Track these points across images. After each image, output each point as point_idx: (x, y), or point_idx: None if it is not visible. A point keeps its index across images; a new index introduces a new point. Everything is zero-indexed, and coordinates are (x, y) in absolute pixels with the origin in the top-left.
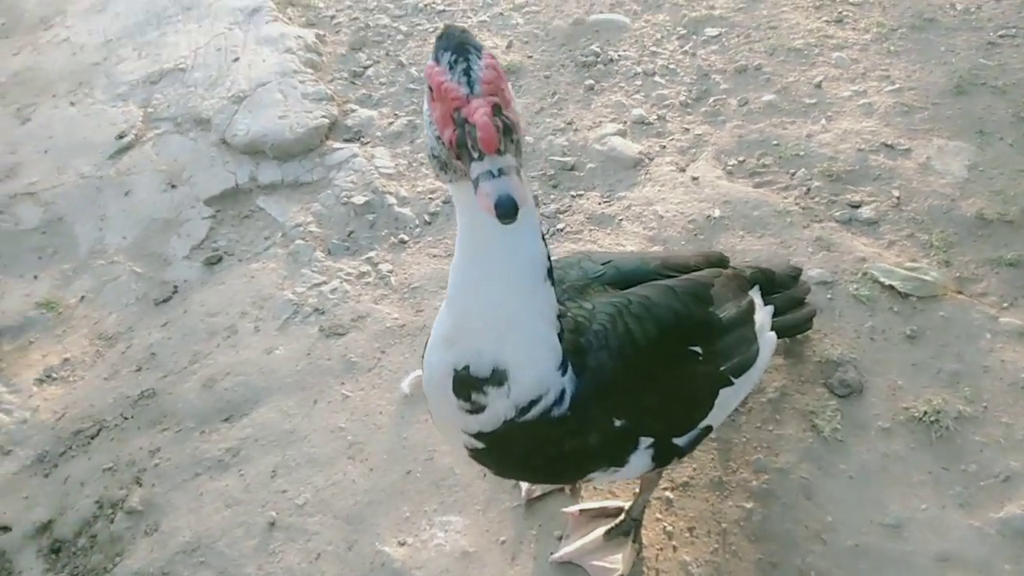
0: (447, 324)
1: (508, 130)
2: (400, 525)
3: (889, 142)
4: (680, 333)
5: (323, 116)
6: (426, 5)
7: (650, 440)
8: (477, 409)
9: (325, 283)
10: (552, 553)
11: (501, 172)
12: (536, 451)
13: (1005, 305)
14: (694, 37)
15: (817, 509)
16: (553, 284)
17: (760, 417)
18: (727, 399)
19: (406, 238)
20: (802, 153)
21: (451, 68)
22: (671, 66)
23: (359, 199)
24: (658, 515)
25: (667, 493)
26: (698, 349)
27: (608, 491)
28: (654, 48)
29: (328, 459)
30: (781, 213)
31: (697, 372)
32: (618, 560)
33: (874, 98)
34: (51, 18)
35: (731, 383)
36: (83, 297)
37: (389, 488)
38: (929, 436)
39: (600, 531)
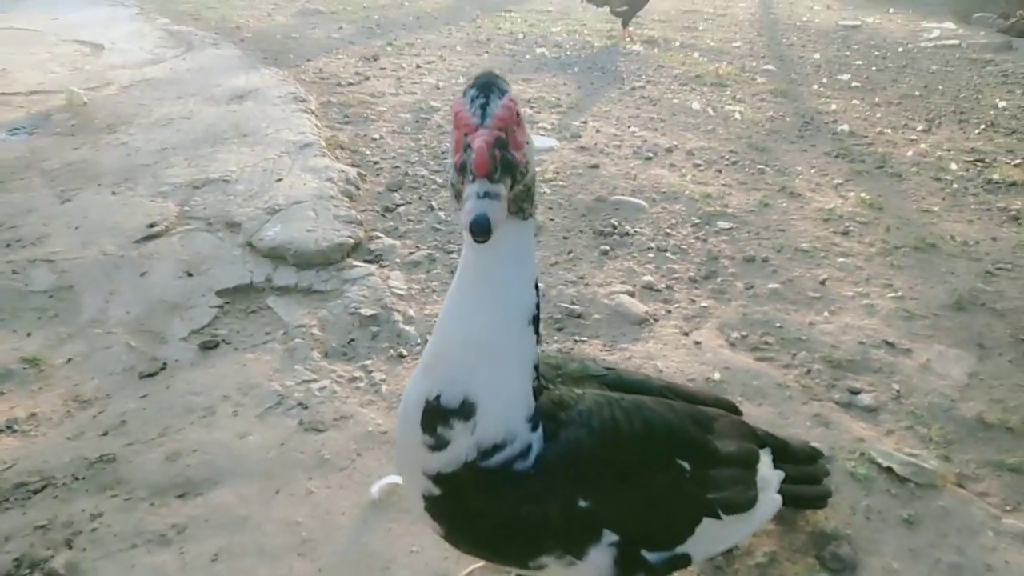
0: (428, 353)
1: (509, 166)
2: None
3: (890, 340)
4: (669, 442)
5: (349, 236)
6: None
7: (615, 538)
8: (440, 444)
9: (315, 381)
10: None
11: (487, 195)
12: (491, 509)
13: (1008, 508)
14: (707, 227)
15: None
16: (537, 336)
17: None
18: (711, 532)
19: (405, 353)
20: (804, 338)
21: (471, 102)
22: (683, 247)
23: (366, 311)
24: None
25: None
26: (686, 465)
27: None
28: (668, 230)
29: (277, 553)
30: (781, 386)
31: (680, 487)
32: None
33: (876, 301)
34: (117, 126)
35: (718, 516)
36: (70, 360)
37: None
38: None
39: None
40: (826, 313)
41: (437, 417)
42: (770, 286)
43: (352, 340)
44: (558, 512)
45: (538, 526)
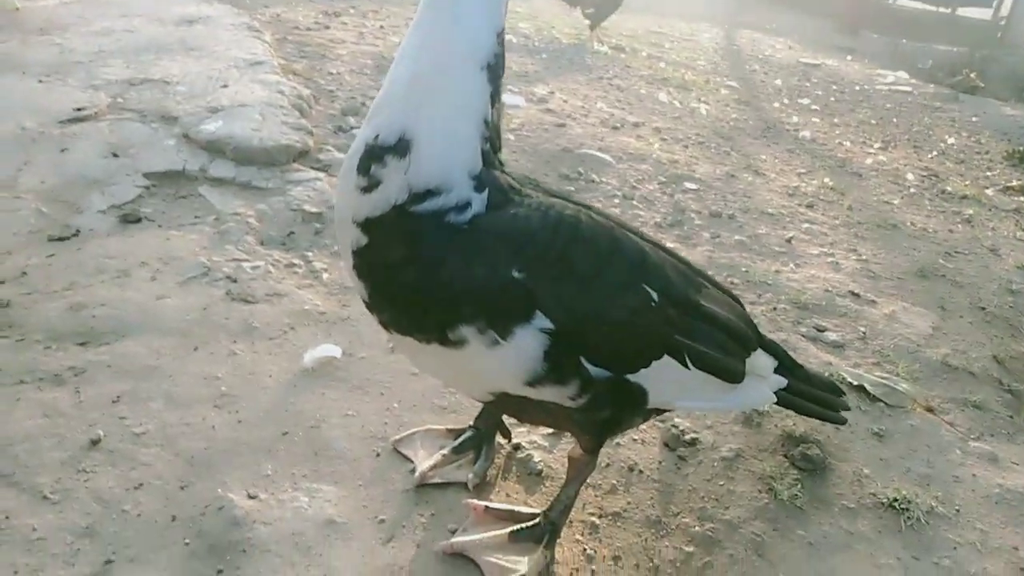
0: (377, 98)
1: None
2: (256, 480)
3: (856, 292)
4: (638, 266)
5: (296, 142)
6: None
7: (549, 325)
8: (372, 185)
9: (247, 261)
10: (440, 542)
11: None
12: (414, 260)
13: (974, 436)
14: (674, 185)
15: (769, 568)
16: (493, 91)
17: (710, 472)
18: (674, 376)
19: None
20: (770, 282)
21: None
22: (650, 198)
23: (311, 208)
24: (579, 537)
25: (593, 519)
26: (653, 294)
27: (525, 502)
28: (635, 184)
29: (190, 401)
30: None
31: (641, 311)
32: (522, 562)
33: (842, 261)
34: (51, 30)
35: (684, 363)
36: None
37: (255, 443)
38: (898, 523)
39: (506, 531)
40: (792, 265)
41: (373, 157)
42: (736, 238)
43: (292, 233)
44: (484, 273)
45: (460, 284)
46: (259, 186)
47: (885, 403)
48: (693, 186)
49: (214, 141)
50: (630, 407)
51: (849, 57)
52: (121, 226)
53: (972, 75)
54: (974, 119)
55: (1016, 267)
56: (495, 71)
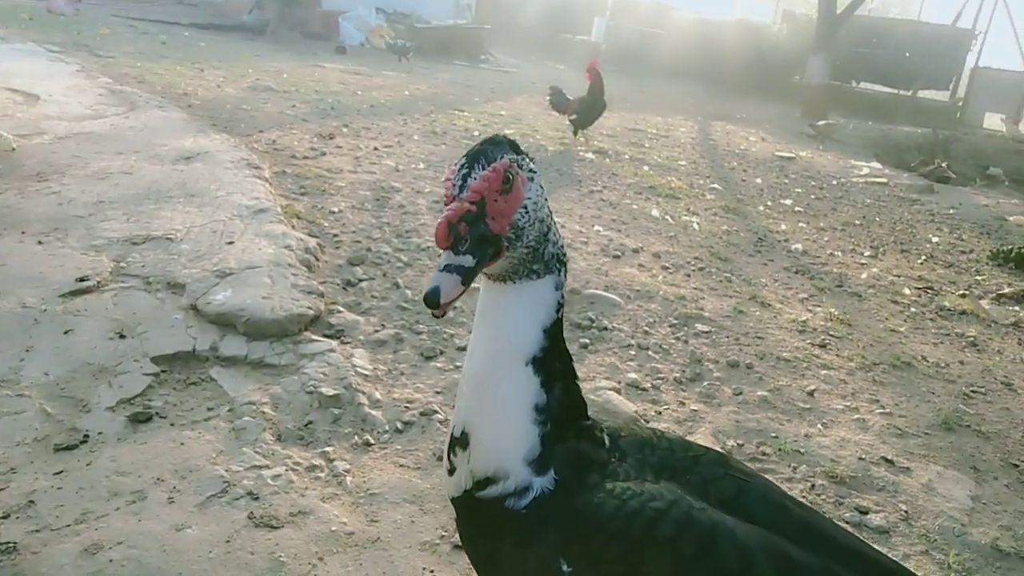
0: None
1: (482, 239)
2: None
3: (889, 457)
4: None
5: (308, 307)
6: (429, 247)
7: None
8: (451, 470)
9: (267, 467)
10: None
11: (448, 268)
12: (480, 539)
13: None
14: (685, 328)
15: None
16: (544, 379)
17: None
18: None
19: (372, 441)
20: (802, 451)
21: (459, 171)
22: (664, 346)
23: (327, 390)
24: None
25: None
26: None
27: None
28: (647, 328)
29: None
30: None
31: None
32: None
33: (867, 416)
34: (48, 175)
35: None
36: None
37: None
38: None
39: None
40: (819, 426)
41: (451, 446)
42: (759, 393)
43: (310, 423)
44: (535, 562)
45: (511, 569)
46: (272, 363)
47: None
48: (704, 328)
49: (224, 314)
50: None
51: (821, 147)
52: (132, 427)
53: (943, 165)
54: (951, 211)
55: None
56: (542, 360)
